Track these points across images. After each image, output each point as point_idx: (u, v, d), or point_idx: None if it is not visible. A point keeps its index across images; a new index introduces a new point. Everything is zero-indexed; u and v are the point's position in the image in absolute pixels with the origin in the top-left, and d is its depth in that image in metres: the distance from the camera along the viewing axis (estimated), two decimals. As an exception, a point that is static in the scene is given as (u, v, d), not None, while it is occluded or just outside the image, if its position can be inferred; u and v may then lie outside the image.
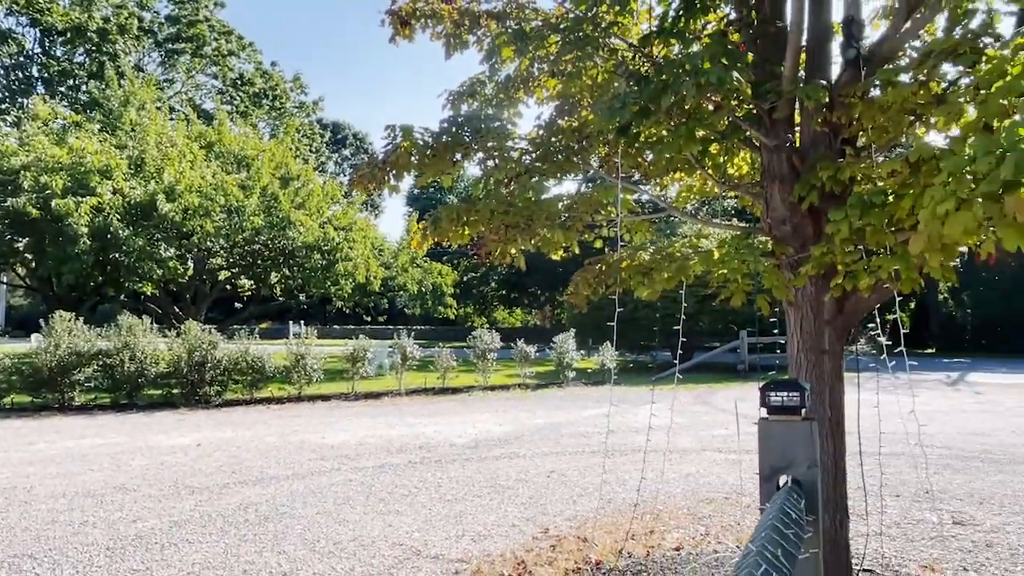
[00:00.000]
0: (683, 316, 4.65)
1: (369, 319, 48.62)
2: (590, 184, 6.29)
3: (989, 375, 21.21)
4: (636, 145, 4.40)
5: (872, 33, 4.41)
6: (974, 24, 3.35)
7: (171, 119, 27.42)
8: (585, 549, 5.17)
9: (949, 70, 3.58)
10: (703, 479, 7.49)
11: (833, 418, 4.10)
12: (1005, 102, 2.47)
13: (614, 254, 4.89)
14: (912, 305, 36.98)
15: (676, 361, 5.06)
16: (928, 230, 2.55)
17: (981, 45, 3.25)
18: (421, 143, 4.76)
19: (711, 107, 3.95)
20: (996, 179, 2.24)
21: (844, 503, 4.18)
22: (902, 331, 3.97)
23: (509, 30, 4.78)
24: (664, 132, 4.06)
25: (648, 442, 5.88)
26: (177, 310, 24.79)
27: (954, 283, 3.11)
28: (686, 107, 3.68)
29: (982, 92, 2.70)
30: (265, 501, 6.69)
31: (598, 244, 5.66)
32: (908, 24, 3.91)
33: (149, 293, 23.93)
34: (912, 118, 3.68)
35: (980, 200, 2.35)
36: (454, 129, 4.84)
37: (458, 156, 4.87)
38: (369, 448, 9.56)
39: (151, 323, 15.89)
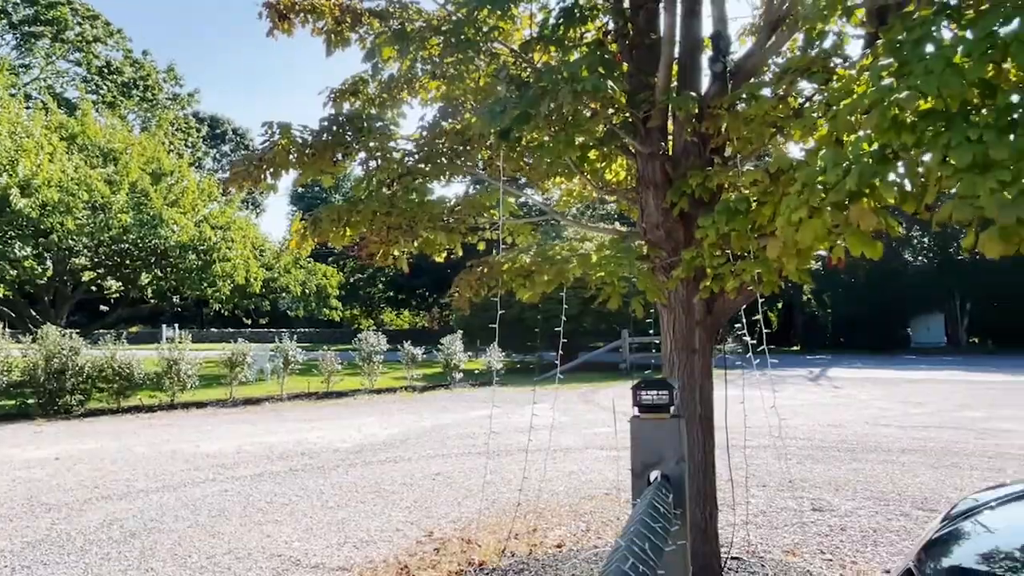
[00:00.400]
0: (564, 318, 4.75)
1: (250, 322, 46.67)
2: (478, 186, 6.32)
3: (846, 370, 22.92)
4: (518, 149, 4.47)
5: (739, 48, 4.67)
6: (827, 44, 3.60)
7: (27, 107, 25.36)
8: (469, 551, 5.18)
9: (806, 86, 3.83)
10: (585, 476, 7.67)
11: (704, 414, 4.30)
12: (852, 118, 2.65)
13: (496, 257, 4.93)
14: (780, 305, 39.51)
15: (558, 362, 5.16)
16: (784, 236, 2.72)
17: (832, 64, 3.50)
18: (300, 141, 4.64)
19: (588, 114, 4.05)
20: (843, 189, 2.41)
21: (714, 495, 4.40)
22: (764, 331, 4.22)
23: (391, 30, 4.72)
24: (545, 137, 4.13)
25: (531, 442, 5.97)
26: (34, 313, 22.94)
27: (810, 285, 3.33)
28: (564, 113, 3.76)
29: (833, 108, 2.90)
30: (132, 516, 6.30)
31: (481, 247, 5.68)
32: (772, 40, 4.17)
33: (1, 295, 22.04)
34: (773, 130, 3.91)
35: (829, 209, 2.52)
36: (335, 128, 4.75)
37: (339, 156, 4.79)
38: (247, 456, 9.19)
39: (3, 328, 14.68)
